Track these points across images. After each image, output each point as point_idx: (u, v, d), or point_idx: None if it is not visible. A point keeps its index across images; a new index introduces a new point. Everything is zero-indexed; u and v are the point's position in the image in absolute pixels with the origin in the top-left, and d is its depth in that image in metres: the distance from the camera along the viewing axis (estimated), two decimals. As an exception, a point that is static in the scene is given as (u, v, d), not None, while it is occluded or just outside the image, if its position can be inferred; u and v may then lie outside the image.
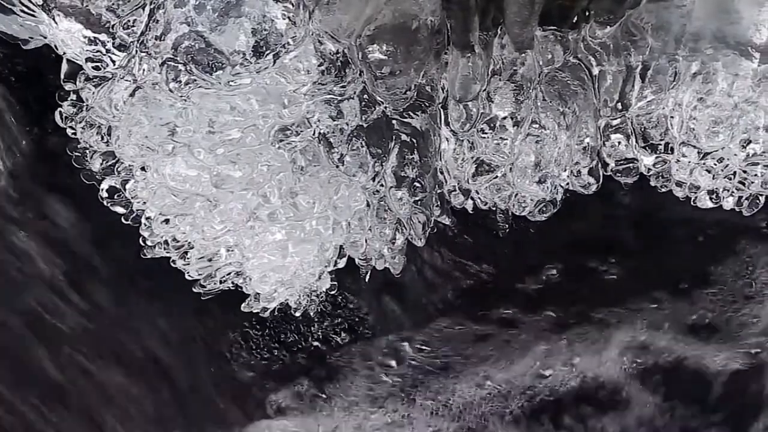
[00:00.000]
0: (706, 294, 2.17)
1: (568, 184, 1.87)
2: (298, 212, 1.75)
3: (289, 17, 1.49)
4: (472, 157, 1.80)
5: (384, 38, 1.54)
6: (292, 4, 1.48)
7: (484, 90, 1.70)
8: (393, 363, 2.18)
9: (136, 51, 1.56)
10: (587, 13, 1.68)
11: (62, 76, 1.75)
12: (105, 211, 1.87)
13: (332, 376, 2.18)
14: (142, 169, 1.75)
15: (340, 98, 1.62)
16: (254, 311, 2.00)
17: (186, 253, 1.88)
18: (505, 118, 1.74)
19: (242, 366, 2.17)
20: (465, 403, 2.15)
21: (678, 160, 1.85)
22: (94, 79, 1.72)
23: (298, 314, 2.00)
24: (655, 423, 2.13)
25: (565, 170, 1.83)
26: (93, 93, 1.72)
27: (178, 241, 1.85)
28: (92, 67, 1.69)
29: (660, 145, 1.85)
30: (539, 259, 2.22)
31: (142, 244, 1.88)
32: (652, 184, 1.91)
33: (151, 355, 2.12)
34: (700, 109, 1.78)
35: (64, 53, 1.69)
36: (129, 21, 1.61)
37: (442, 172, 1.87)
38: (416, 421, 2.14)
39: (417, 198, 1.74)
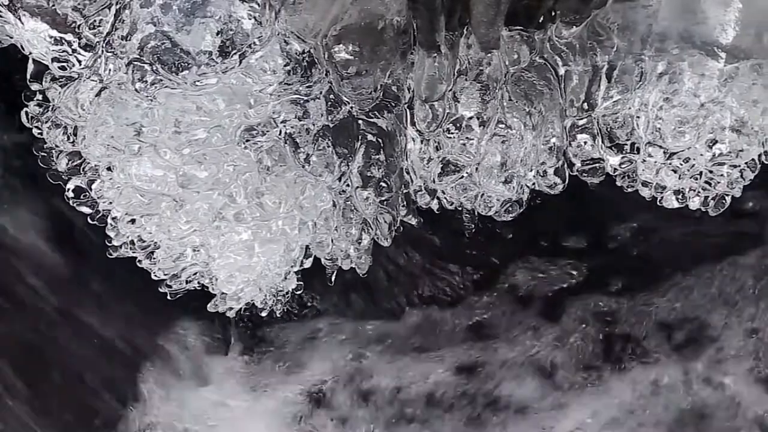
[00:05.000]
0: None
1: (534, 184, 1.87)
2: (264, 212, 1.75)
3: (255, 17, 1.49)
4: (438, 157, 1.80)
5: (350, 38, 1.54)
6: (258, 4, 1.48)
7: (450, 90, 1.69)
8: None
9: (102, 51, 1.57)
10: (553, 13, 1.68)
11: (28, 76, 1.74)
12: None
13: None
14: (108, 169, 1.74)
15: (306, 98, 1.62)
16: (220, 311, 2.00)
17: (152, 253, 1.88)
18: (471, 118, 1.73)
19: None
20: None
21: (644, 161, 1.84)
22: (60, 79, 1.71)
23: (264, 314, 2.00)
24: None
25: (531, 170, 1.82)
26: (59, 93, 1.71)
27: (144, 241, 1.86)
28: (58, 67, 1.68)
29: (626, 145, 1.83)
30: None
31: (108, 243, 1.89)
32: (618, 184, 1.92)
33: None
34: (666, 109, 1.77)
35: (30, 53, 1.69)
36: (95, 21, 1.61)
37: (408, 172, 1.86)
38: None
39: (383, 198, 1.74)
